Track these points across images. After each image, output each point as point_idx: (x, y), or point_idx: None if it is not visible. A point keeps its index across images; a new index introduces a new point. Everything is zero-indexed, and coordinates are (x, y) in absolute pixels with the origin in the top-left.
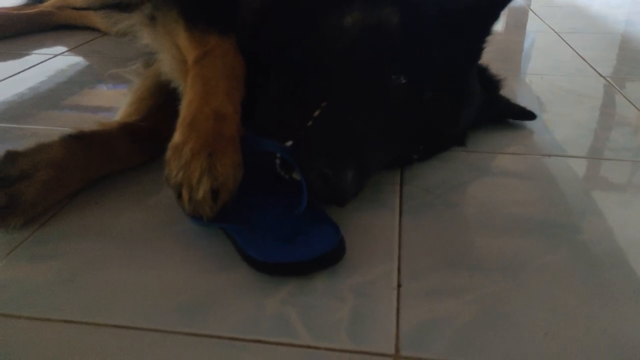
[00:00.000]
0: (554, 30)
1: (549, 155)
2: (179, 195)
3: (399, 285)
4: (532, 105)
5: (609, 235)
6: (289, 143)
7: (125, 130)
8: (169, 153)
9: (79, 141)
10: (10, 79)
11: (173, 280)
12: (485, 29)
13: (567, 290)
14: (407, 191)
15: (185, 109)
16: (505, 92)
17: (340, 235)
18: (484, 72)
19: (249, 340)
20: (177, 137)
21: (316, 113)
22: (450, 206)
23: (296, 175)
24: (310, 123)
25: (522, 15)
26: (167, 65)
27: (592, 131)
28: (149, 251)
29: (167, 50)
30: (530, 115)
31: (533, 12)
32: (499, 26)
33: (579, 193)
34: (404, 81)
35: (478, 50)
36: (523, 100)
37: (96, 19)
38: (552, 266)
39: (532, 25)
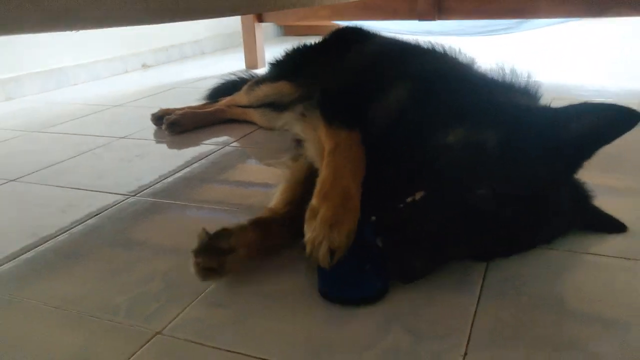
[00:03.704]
0: None
1: (627, 259)
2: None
3: (465, 354)
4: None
5: None
6: (373, 218)
7: (281, 216)
8: (307, 213)
9: (260, 226)
10: (196, 163)
11: (300, 329)
12: (580, 161)
13: None
14: (489, 278)
15: (320, 183)
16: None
17: (382, 287)
18: (579, 185)
19: None
20: (313, 202)
21: (409, 199)
22: (524, 296)
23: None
24: (402, 205)
25: None
26: (310, 151)
27: None
28: (287, 307)
29: (311, 140)
30: (619, 228)
31: None
32: None
33: None
34: (489, 194)
35: (570, 174)
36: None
37: (255, 115)
38: (594, 354)
39: None
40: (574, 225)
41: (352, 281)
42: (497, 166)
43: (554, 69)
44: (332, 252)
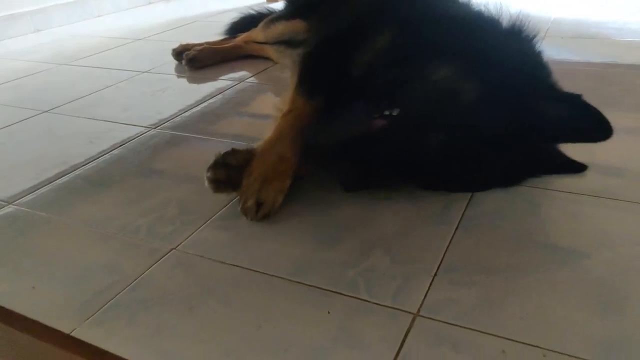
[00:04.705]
0: None
1: (598, 197)
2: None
3: (435, 274)
4: None
5: (617, 269)
6: None
7: None
8: (246, 172)
9: None
10: (214, 98)
11: (291, 249)
12: (542, 140)
13: (551, 294)
14: (469, 212)
15: (262, 144)
16: None
17: None
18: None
19: (333, 292)
20: (253, 163)
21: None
22: (498, 229)
23: None
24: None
25: None
26: (281, 100)
27: None
28: (281, 231)
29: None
30: (579, 168)
31: None
32: None
33: (612, 233)
34: (443, 139)
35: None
36: None
37: (270, 51)
38: (552, 279)
39: None
40: (538, 170)
41: None
42: (467, 118)
43: (578, 5)
44: (259, 205)
